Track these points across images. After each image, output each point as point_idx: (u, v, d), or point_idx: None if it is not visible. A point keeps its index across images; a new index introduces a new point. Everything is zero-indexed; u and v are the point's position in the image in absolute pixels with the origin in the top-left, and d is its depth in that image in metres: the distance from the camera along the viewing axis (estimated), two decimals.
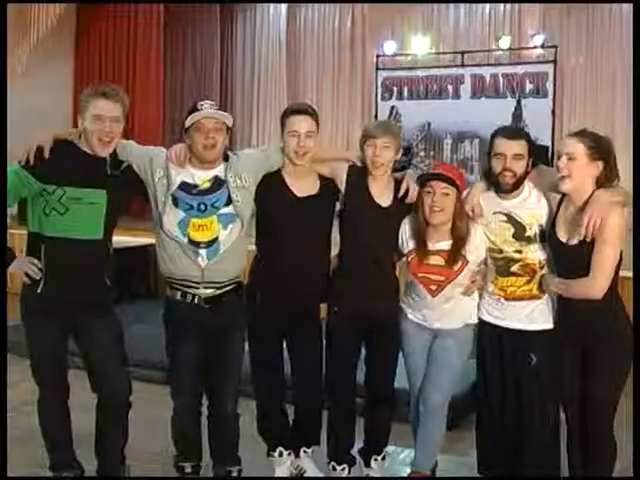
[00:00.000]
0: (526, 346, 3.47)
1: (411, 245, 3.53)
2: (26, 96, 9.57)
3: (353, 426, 3.82)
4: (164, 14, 11.24)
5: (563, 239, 3.27)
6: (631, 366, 3.31)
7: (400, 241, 3.58)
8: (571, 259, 3.27)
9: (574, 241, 3.22)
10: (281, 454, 3.81)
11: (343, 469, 3.79)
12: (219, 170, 3.43)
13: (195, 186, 3.39)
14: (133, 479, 3.72)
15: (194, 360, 3.49)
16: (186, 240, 3.38)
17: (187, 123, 3.35)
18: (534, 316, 3.47)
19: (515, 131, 3.58)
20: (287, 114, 3.55)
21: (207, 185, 3.40)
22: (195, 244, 3.39)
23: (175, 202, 3.38)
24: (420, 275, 3.52)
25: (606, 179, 3.22)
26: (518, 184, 3.39)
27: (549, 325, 3.47)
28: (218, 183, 3.41)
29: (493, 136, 3.43)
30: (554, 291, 3.38)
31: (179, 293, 3.47)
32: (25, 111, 8.96)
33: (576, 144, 3.18)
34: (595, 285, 3.17)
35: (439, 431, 3.68)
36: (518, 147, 3.35)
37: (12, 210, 3.52)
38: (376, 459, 3.83)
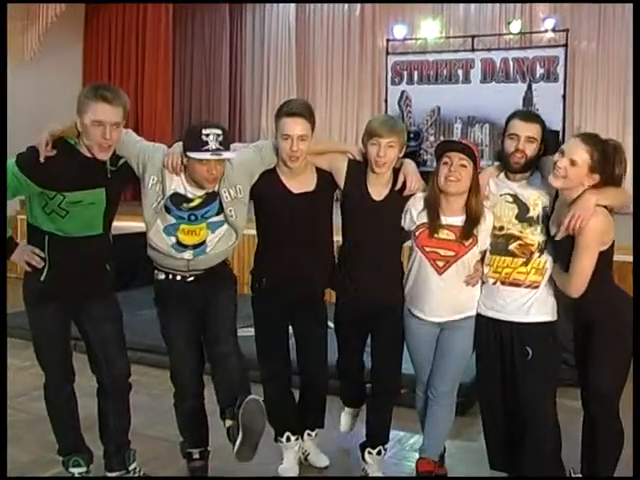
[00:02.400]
0: (523, 339, 3.43)
1: (423, 218, 3.48)
2: (35, 83, 9.60)
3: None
4: (173, 3, 11.21)
5: (552, 232, 3.30)
6: (631, 349, 3.30)
7: (409, 217, 3.53)
8: (559, 253, 3.31)
9: (559, 236, 3.24)
10: (289, 439, 3.81)
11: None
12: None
13: (186, 200, 3.34)
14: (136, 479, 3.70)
15: (188, 338, 3.49)
16: (174, 240, 3.38)
17: (190, 154, 3.21)
18: (531, 308, 3.43)
19: (531, 114, 3.58)
20: (281, 115, 3.45)
21: (198, 202, 3.35)
22: (183, 246, 3.40)
23: (167, 210, 3.36)
24: (428, 249, 3.46)
25: (604, 184, 3.20)
26: (528, 166, 3.39)
27: (547, 317, 3.44)
28: (210, 197, 3.36)
29: (509, 118, 3.44)
30: (553, 276, 3.40)
31: (164, 276, 3.49)
32: (33, 98, 8.98)
33: (583, 152, 3.15)
34: (571, 286, 3.22)
35: (447, 419, 3.67)
36: (532, 130, 3.37)
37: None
38: (370, 452, 3.80)
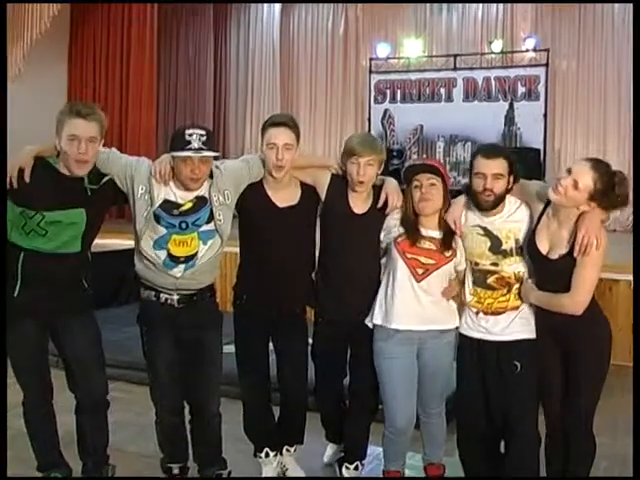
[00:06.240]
0: (508, 355, 3.43)
1: (402, 230, 3.51)
2: (20, 100, 9.59)
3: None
4: (157, 19, 11.27)
5: (544, 251, 3.27)
6: (609, 366, 3.34)
7: (386, 232, 3.56)
8: (552, 273, 3.27)
9: (555, 255, 3.23)
10: (267, 455, 3.84)
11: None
12: (202, 189, 3.40)
13: (177, 206, 3.37)
14: (120, 479, 3.75)
15: (171, 361, 3.52)
16: (165, 254, 3.39)
17: (173, 153, 3.28)
18: (512, 327, 3.44)
19: (494, 150, 3.46)
20: (266, 126, 3.53)
21: (189, 206, 3.38)
22: (174, 259, 3.40)
23: (157, 219, 3.36)
24: (410, 256, 3.47)
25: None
26: (498, 202, 3.37)
27: (528, 335, 3.44)
28: (200, 202, 3.39)
29: (473, 155, 3.43)
30: (533, 302, 3.38)
31: (153, 293, 3.49)
32: (18, 115, 8.98)
33: (589, 179, 3.12)
34: (576, 302, 3.17)
35: (442, 428, 3.78)
36: (498, 166, 3.32)
37: None
38: (347, 467, 3.86)
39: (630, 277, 5.51)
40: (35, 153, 3.28)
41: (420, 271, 3.48)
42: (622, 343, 3.53)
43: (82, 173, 3.27)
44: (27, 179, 3.19)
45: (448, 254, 3.48)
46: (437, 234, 3.49)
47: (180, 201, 3.37)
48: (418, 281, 3.48)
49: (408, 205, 3.49)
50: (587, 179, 3.11)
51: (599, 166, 3.16)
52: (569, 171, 3.17)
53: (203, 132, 3.26)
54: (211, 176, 3.41)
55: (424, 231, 3.49)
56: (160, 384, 3.57)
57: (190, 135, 3.23)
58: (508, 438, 3.51)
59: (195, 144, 3.22)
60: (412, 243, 3.47)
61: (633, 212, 3.20)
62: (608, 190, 3.12)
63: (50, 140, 3.33)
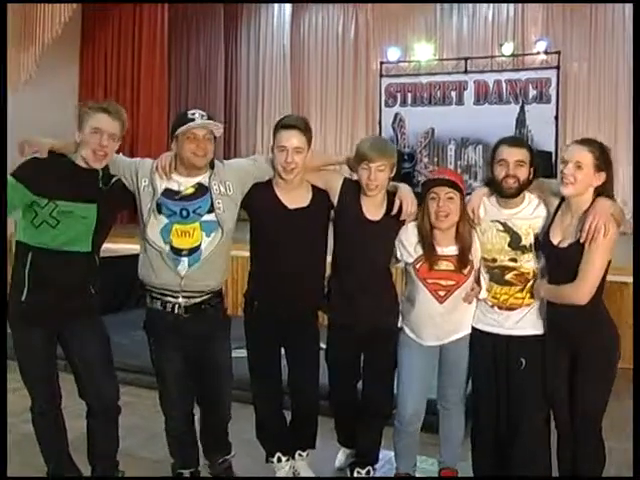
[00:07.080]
0: (516, 351, 3.49)
1: (419, 251, 3.52)
2: (31, 104, 9.64)
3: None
4: (168, 22, 11.30)
5: (555, 242, 3.29)
6: (617, 367, 3.33)
7: (402, 250, 3.58)
8: (561, 261, 3.29)
9: (565, 244, 3.24)
10: (280, 460, 3.83)
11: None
12: (203, 177, 3.45)
13: (178, 192, 3.42)
14: (131, 479, 3.76)
15: (179, 371, 3.54)
16: (168, 248, 3.41)
17: (178, 132, 3.37)
18: (524, 322, 3.48)
19: (517, 139, 3.64)
20: (277, 128, 3.54)
21: (190, 191, 3.43)
22: (177, 251, 3.41)
23: (159, 209, 3.41)
24: (431, 281, 3.52)
25: (604, 190, 3.25)
26: (521, 190, 3.41)
27: (538, 331, 3.48)
28: (201, 190, 3.44)
29: (496, 146, 3.47)
30: (544, 296, 3.40)
31: (159, 302, 3.49)
32: (30, 119, 9.01)
33: (586, 153, 3.21)
34: (581, 289, 3.17)
35: (460, 426, 3.79)
36: (520, 154, 3.38)
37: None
38: (359, 472, 3.84)
39: None
40: (51, 146, 3.35)
41: (442, 293, 3.52)
42: (632, 345, 3.52)
43: (99, 166, 3.34)
44: (31, 152, 3.29)
45: (466, 271, 3.50)
46: (453, 250, 3.49)
47: (181, 188, 3.43)
48: (441, 303, 3.53)
49: (425, 216, 3.48)
50: (585, 154, 3.22)
51: (586, 141, 3.30)
52: (565, 161, 3.25)
53: (204, 112, 3.42)
54: (212, 167, 3.48)
55: (440, 250, 3.49)
56: (169, 395, 3.60)
57: (192, 114, 3.39)
58: (514, 434, 3.53)
59: (199, 120, 3.35)
60: (430, 267, 3.50)
61: (633, 212, 3.20)
62: (606, 154, 3.26)
63: (61, 140, 3.42)
